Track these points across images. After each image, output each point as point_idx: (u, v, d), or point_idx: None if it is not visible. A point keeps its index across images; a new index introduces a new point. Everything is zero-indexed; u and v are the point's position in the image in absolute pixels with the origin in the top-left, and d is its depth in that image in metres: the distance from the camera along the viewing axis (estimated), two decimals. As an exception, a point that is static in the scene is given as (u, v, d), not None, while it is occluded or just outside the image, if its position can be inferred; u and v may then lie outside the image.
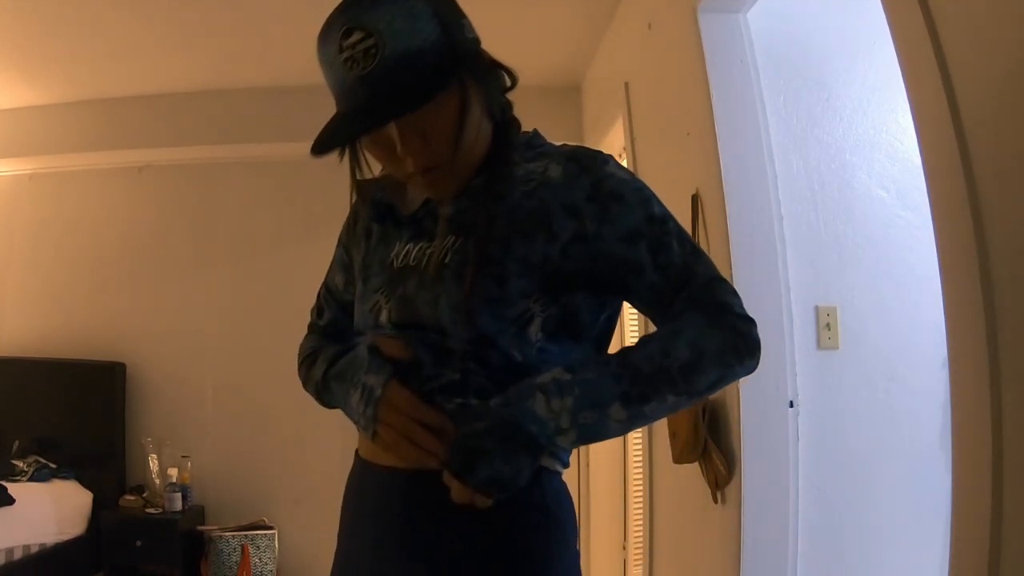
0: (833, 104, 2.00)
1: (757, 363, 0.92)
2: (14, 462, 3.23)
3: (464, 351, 0.91)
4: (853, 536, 1.87)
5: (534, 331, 0.91)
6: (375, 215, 1.05)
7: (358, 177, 1.00)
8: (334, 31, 0.87)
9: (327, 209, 3.85)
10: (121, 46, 3.23)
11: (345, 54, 0.85)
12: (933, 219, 1.11)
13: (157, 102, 3.75)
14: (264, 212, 3.76)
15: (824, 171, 1.97)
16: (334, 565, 1.08)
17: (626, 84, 2.80)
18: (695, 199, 2.05)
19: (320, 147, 0.89)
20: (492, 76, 0.97)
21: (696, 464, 1.97)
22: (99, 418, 3.46)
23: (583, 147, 1.01)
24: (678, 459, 2.03)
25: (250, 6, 2.91)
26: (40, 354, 3.62)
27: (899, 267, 1.94)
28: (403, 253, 0.99)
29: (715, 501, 1.93)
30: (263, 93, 3.69)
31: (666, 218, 0.96)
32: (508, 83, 1.00)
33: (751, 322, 0.93)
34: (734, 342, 0.90)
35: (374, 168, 1.01)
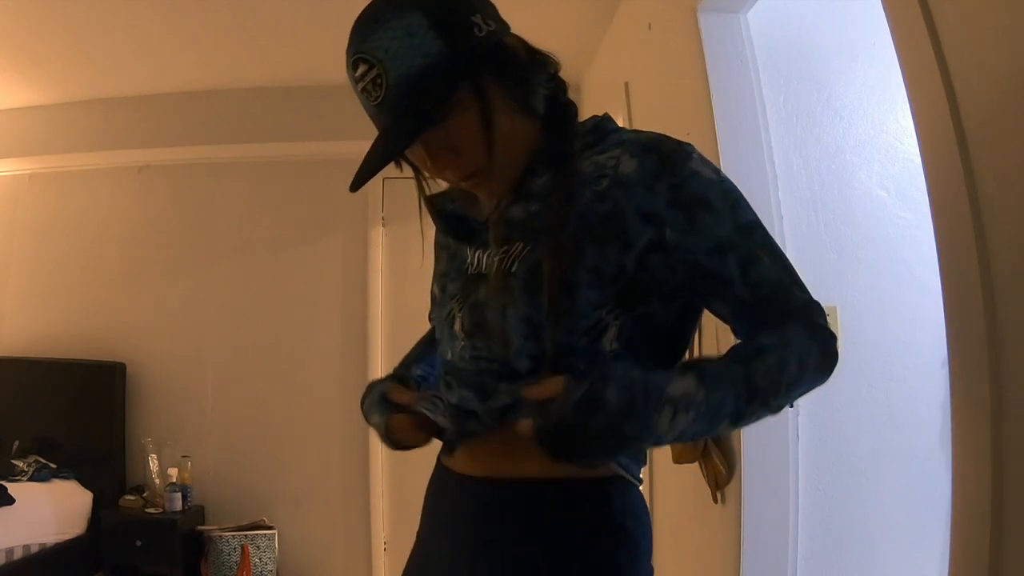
0: (833, 104, 2.00)
1: (833, 370, 0.94)
2: (14, 462, 3.23)
3: (529, 370, 0.86)
4: (853, 536, 1.87)
5: (608, 341, 0.86)
6: (448, 228, 1.01)
7: (426, 192, 0.97)
8: (348, 64, 0.87)
9: (327, 209, 3.87)
10: (121, 46, 3.23)
11: (360, 85, 0.86)
12: (933, 219, 1.11)
13: (157, 102, 3.75)
14: (264, 212, 3.76)
15: (824, 171, 1.96)
16: (410, 561, 1.04)
17: (626, 84, 2.80)
18: (695, 199, 2.05)
19: (355, 183, 0.89)
20: (519, 68, 0.90)
21: (696, 464, 1.97)
22: (99, 418, 3.46)
23: (660, 135, 0.92)
24: (678, 459, 2.03)
25: (250, 6, 2.91)
26: (40, 354, 3.62)
27: (899, 267, 1.93)
28: (475, 259, 0.95)
29: (715, 501, 1.93)
30: (263, 93, 3.69)
31: (754, 226, 0.90)
32: (551, 68, 0.94)
33: (835, 338, 0.93)
34: (828, 360, 0.91)
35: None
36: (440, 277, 1.02)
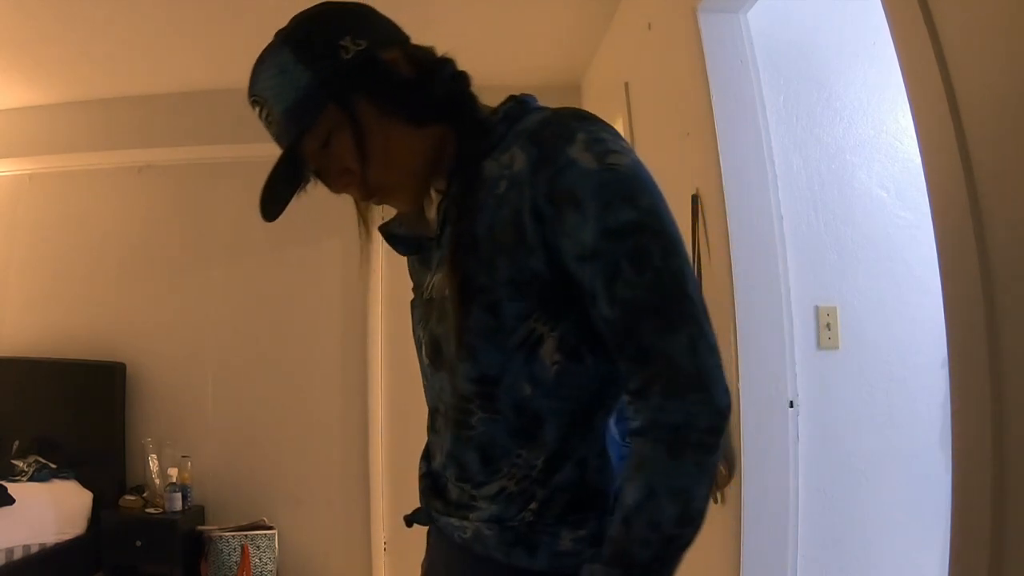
0: (833, 104, 2.00)
1: (726, 426, 0.77)
2: (14, 462, 3.23)
3: (472, 393, 0.84)
4: (853, 536, 1.87)
5: (548, 352, 0.82)
6: (407, 251, 1.00)
7: (380, 223, 0.98)
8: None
9: (327, 209, 3.86)
10: (121, 46, 3.23)
11: (263, 123, 0.90)
12: (933, 219, 1.11)
13: (157, 102, 3.75)
14: (264, 212, 3.76)
15: (824, 171, 1.96)
16: None
17: (626, 84, 2.80)
18: (695, 199, 2.05)
19: (266, 215, 0.95)
20: (395, 80, 0.87)
21: (696, 464, 1.97)
22: (99, 418, 3.45)
23: (551, 118, 0.84)
24: (678, 459, 2.02)
25: (250, 6, 2.91)
26: (40, 354, 3.61)
27: (899, 267, 1.94)
28: (428, 282, 0.92)
29: (715, 501, 1.93)
30: (263, 93, 3.69)
31: (629, 230, 0.76)
32: (445, 70, 0.89)
33: (712, 405, 0.75)
34: (704, 455, 0.76)
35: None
36: (412, 303, 0.99)
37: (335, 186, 0.91)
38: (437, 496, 0.94)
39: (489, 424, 0.84)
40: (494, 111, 0.89)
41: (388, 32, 0.91)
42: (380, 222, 1.01)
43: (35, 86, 3.60)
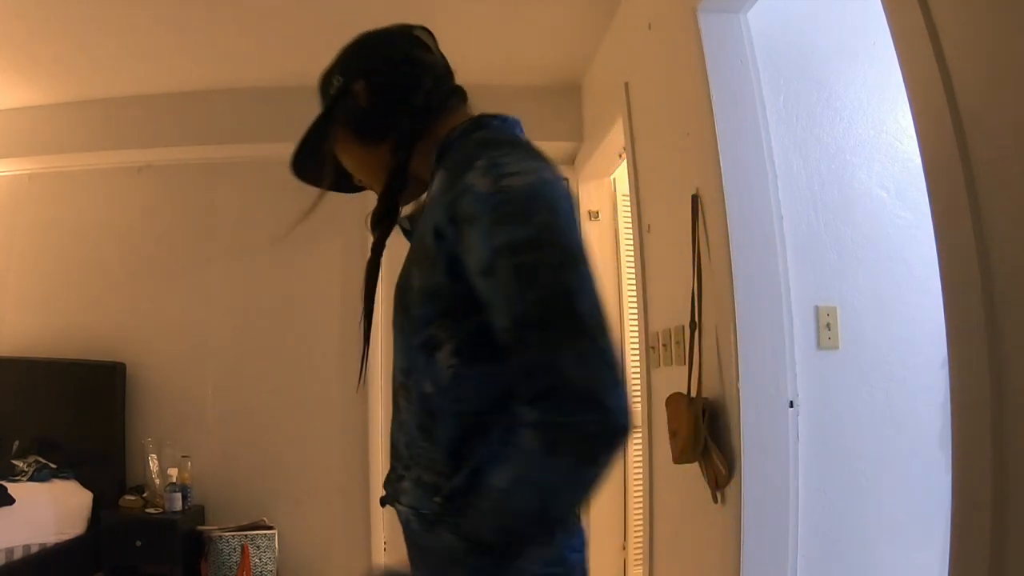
0: (833, 104, 2.00)
1: (620, 444, 0.77)
2: (14, 462, 3.23)
3: (399, 382, 0.97)
4: (853, 536, 1.87)
5: (444, 357, 0.89)
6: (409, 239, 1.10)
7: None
8: None
9: (327, 209, 3.85)
10: (120, 46, 3.23)
11: None
12: (933, 219, 1.11)
13: (157, 102, 3.75)
14: (264, 212, 3.76)
15: (824, 171, 1.97)
16: None
17: (626, 84, 2.80)
18: (695, 199, 2.05)
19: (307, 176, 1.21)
20: (358, 108, 1.04)
21: (696, 464, 1.97)
22: (99, 418, 3.45)
23: (468, 143, 0.94)
24: (678, 459, 2.03)
25: (250, 6, 2.91)
26: (40, 354, 3.61)
27: (899, 267, 1.94)
28: None
29: (715, 501, 1.93)
30: (263, 93, 3.69)
31: (523, 247, 0.79)
32: (408, 96, 1.03)
33: (604, 418, 0.75)
34: (583, 463, 0.77)
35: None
36: None
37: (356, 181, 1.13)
38: (388, 480, 1.02)
39: (408, 413, 0.95)
40: (452, 128, 1.00)
41: (367, 62, 1.06)
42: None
43: (35, 86, 3.60)
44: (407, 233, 1.09)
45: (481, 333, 0.86)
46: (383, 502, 1.04)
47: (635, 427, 3.36)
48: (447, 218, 0.86)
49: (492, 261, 0.81)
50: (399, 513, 0.98)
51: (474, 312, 0.86)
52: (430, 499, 0.90)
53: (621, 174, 3.48)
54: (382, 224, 1.05)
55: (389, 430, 1.03)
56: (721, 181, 1.89)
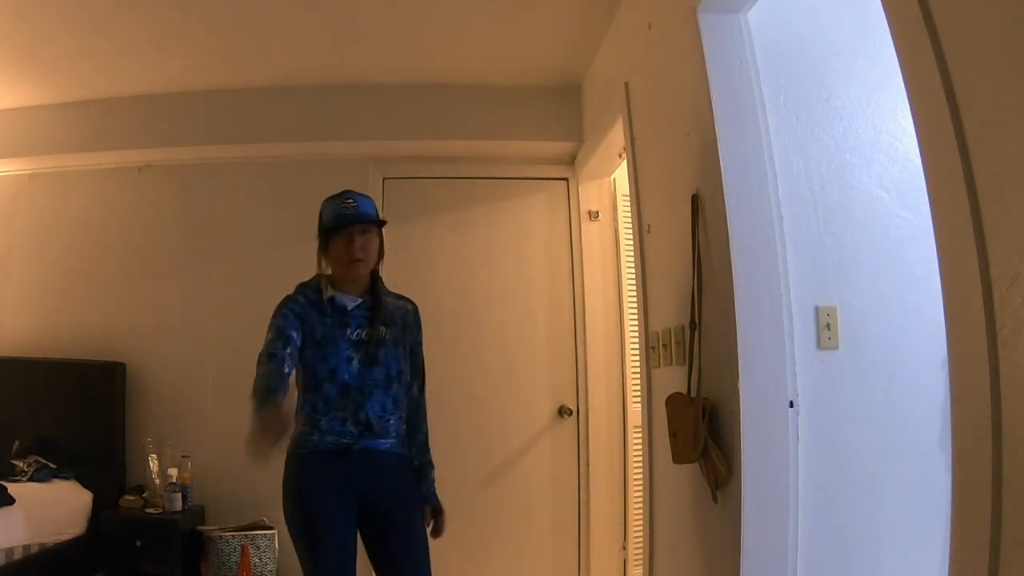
0: (833, 104, 2.00)
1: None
2: (14, 462, 3.23)
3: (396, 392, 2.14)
4: (853, 536, 1.87)
5: (405, 381, 2.17)
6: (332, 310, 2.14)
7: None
8: (343, 197, 2.20)
9: (327, 209, 3.87)
10: (121, 46, 3.23)
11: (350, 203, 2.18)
12: (933, 219, 1.11)
13: (157, 102, 3.75)
14: (264, 212, 3.76)
15: (824, 171, 1.97)
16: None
17: (626, 84, 2.80)
18: (695, 199, 2.05)
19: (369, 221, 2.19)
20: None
21: (696, 464, 1.97)
22: (99, 418, 3.45)
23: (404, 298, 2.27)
24: (678, 459, 2.03)
25: (250, 6, 2.91)
26: (40, 354, 3.61)
27: (899, 267, 1.94)
28: (354, 330, 2.09)
29: (715, 501, 1.93)
30: (263, 93, 3.69)
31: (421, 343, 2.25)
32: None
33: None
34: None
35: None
36: (331, 334, 2.10)
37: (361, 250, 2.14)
38: (366, 431, 2.07)
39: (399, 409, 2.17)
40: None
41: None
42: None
43: (35, 86, 3.60)
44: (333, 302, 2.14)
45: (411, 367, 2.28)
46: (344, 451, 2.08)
47: (635, 427, 3.37)
48: (414, 323, 2.25)
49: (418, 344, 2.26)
50: (381, 443, 2.08)
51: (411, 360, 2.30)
52: (400, 438, 2.14)
53: (621, 174, 3.48)
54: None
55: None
56: (721, 181, 1.89)
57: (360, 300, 2.09)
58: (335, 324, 2.04)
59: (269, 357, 1.90)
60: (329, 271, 2.15)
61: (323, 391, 2.01)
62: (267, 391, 1.79)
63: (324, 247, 2.13)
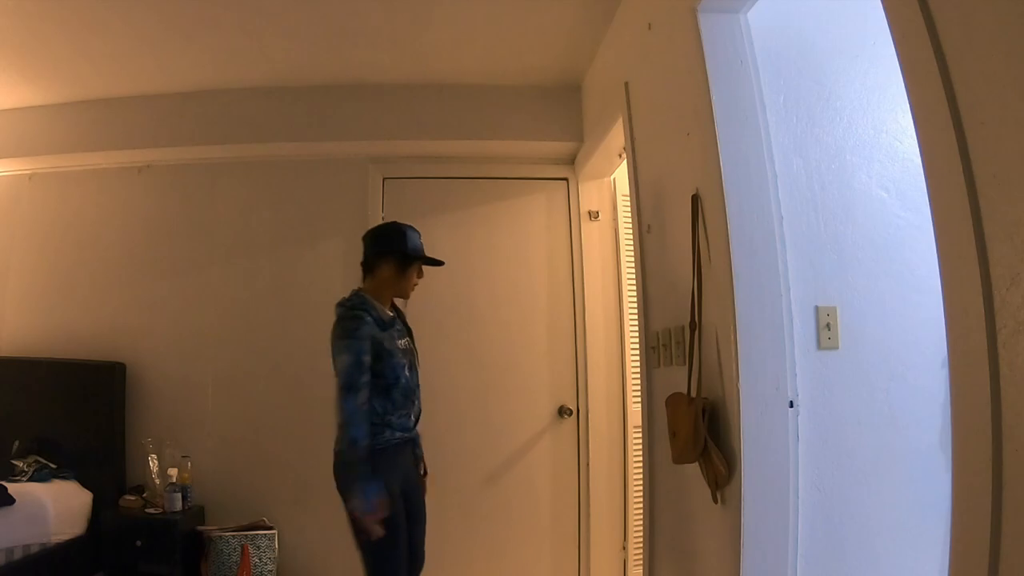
0: (833, 104, 2.00)
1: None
2: (14, 462, 3.23)
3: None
4: (853, 536, 1.87)
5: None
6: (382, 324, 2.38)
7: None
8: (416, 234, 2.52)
9: (327, 209, 3.88)
10: (121, 46, 3.23)
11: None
12: (933, 219, 1.11)
13: (157, 102, 3.75)
14: (264, 212, 3.76)
15: (824, 171, 1.97)
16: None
17: (626, 84, 2.80)
18: (695, 199, 2.05)
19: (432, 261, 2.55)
20: None
21: (696, 464, 1.97)
22: (99, 418, 3.46)
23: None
24: (678, 459, 2.03)
25: (250, 6, 2.91)
26: (40, 354, 3.62)
27: (899, 267, 1.94)
28: (400, 340, 2.42)
29: (715, 501, 1.93)
30: (263, 93, 3.69)
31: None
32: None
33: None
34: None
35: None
36: (394, 343, 2.40)
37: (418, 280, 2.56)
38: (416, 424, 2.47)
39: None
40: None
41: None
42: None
43: (35, 86, 3.60)
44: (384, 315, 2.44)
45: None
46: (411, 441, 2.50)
47: (635, 427, 3.37)
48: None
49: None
50: (417, 443, 2.54)
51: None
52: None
53: (621, 174, 3.48)
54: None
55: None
56: (721, 181, 1.89)
57: (392, 314, 2.45)
58: (390, 337, 2.36)
59: (352, 389, 2.26)
60: (368, 286, 2.46)
61: (392, 395, 2.35)
62: (364, 464, 2.34)
63: (403, 268, 2.44)
